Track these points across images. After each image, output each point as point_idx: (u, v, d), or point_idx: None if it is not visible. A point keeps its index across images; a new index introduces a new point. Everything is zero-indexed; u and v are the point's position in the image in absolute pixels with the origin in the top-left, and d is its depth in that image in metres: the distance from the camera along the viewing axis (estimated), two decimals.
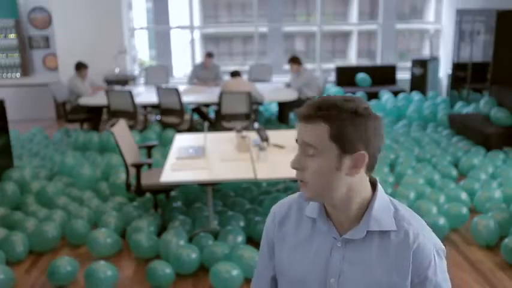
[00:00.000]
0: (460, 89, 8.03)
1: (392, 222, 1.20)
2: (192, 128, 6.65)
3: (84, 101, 7.05)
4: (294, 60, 7.32)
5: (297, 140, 1.23)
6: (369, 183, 1.24)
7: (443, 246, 1.24)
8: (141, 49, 17.88)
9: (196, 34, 18.18)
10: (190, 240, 3.87)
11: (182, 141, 4.77)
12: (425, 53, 16.44)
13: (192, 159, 4.15)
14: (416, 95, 8.46)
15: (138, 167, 4.14)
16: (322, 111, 1.15)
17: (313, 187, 1.20)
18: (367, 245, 1.21)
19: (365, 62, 18.67)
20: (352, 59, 20.00)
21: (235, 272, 3.32)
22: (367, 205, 1.22)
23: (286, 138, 4.67)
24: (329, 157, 1.16)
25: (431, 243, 1.20)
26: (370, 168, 1.20)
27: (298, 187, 1.25)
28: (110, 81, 8.23)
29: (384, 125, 1.24)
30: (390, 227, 1.20)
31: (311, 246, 1.27)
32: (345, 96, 1.20)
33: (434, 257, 1.19)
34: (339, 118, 1.14)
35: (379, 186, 1.25)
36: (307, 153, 1.20)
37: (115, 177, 4.92)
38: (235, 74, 6.76)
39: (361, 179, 1.20)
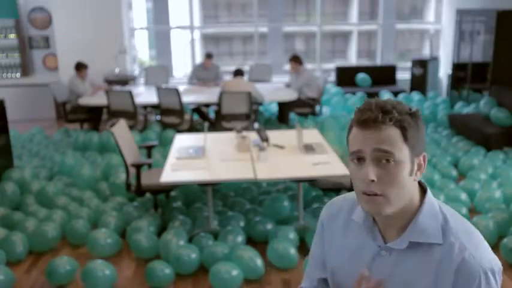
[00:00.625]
0: (460, 89, 8.03)
1: (439, 235, 1.13)
2: (192, 128, 6.66)
3: (84, 101, 7.05)
4: (295, 59, 7.31)
5: (355, 152, 1.14)
6: (418, 188, 1.18)
7: (498, 267, 1.13)
8: (141, 49, 17.88)
9: (196, 34, 18.18)
10: (190, 240, 3.86)
11: (182, 141, 4.77)
12: (425, 53, 16.44)
13: (192, 159, 4.15)
14: (416, 95, 8.47)
15: (138, 167, 4.15)
16: (389, 114, 1.10)
17: (394, 199, 1.12)
18: (409, 256, 1.15)
19: (365, 62, 18.66)
20: (352, 59, 20.00)
21: (235, 272, 3.32)
22: (415, 213, 1.16)
23: (286, 138, 4.67)
24: (405, 161, 1.11)
25: (479, 263, 1.09)
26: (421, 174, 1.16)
27: (364, 201, 1.15)
28: (110, 81, 8.23)
29: None
30: (435, 239, 1.13)
31: (355, 252, 1.24)
32: (391, 99, 1.17)
33: (480, 279, 1.09)
34: (406, 120, 1.11)
35: (429, 193, 1.18)
36: (381, 160, 1.11)
37: (115, 177, 4.92)
38: (237, 73, 6.76)
39: (416, 184, 1.16)
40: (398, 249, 1.16)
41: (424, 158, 1.16)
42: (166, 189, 4.36)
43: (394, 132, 1.10)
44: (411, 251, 1.15)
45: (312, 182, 4.24)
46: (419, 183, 1.20)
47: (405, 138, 1.11)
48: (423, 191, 1.20)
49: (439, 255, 1.13)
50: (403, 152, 1.11)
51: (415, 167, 1.14)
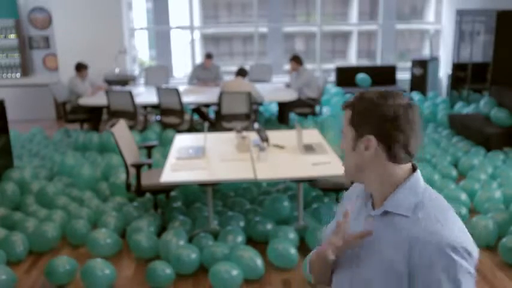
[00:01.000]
0: (460, 89, 8.03)
1: (409, 208, 1.27)
2: (192, 128, 6.66)
3: (84, 101, 7.05)
4: (295, 59, 7.32)
5: None
6: (400, 170, 1.30)
7: (460, 245, 1.19)
8: (141, 49, 17.88)
9: (197, 34, 18.18)
10: (190, 240, 3.87)
11: (182, 141, 4.78)
12: (425, 53, 16.44)
13: (192, 159, 4.15)
14: (416, 95, 8.47)
15: (138, 167, 4.15)
16: (352, 100, 1.33)
17: (344, 164, 1.37)
18: (384, 224, 1.30)
19: (365, 62, 18.67)
20: (352, 59, 20.00)
21: (235, 272, 3.32)
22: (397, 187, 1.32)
23: (286, 138, 4.67)
24: (348, 139, 1.33)
25: (438, 239, 1.19)
26: (394, 156, 1.28)
27: None
28: (110, 81, 8.23)
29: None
30: (403, 211, 1.27)
31: (356, 218, 1.41)
32: (382, 91, 1.32)
33: (442, 254, 1.18)
34: (358, 105, 1.30)
35: (414, 175, 1.31)
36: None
37: (115, 177, 4.92)
38: (240, 72, 6.73)
39: (385, 165, 1.30)
40: (378, 216, 1.33)
41: (368, 141, 1.28)
42: (166, 189, 4.36)
43: (348, 115, 1.33)
44: (386, 218, 1.30)
45: (312, 182, 4.24)
46: (413, 164, 1.34)
47: (351, 120, 1.31)
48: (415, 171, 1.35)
49: (406, 226, 1.26)
50: (348, 131, 1.33)
51: (360, 147, 1.30)
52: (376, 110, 1.26)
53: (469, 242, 1.22)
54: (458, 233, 1.22)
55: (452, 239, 1.19)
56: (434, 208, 1.26)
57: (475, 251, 1.23)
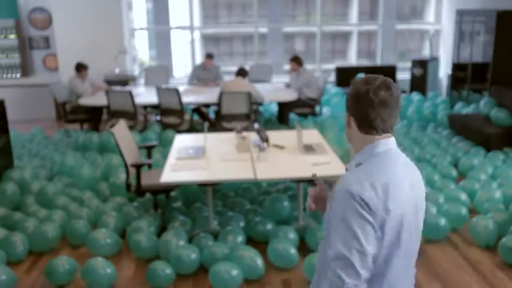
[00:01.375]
0: (460, 90, 8.03)
1: (353, 165, 1.57)
2: (192, 129, 6.66)
3: (84, 101, 7.05)
4: (295, 60, 7.32)
5: None
6: (370, 139, 1.55)
7: (357, 193, 1.42)
8: (141, 49, 17.88)
9: (197, 34, 18.18)
10: (190, 240, 3.87)
11: (182, 141, 4.78)
12: (425, 53, 16.44)
13: (192, 159, 4.15)
14: (416, 96, 8.46)
15: (138, 167, 4.15)
16: None
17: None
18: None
19: (365, 63, 18.65)
20: (352, 59, 19.99)
21: (235, 272, 3.32)
22: None
23: (286, 138, 4.68)
24: (346, 116, 1.62)
25: (344, 185, 1.46)
26: (361, 127, 1.55)
27: None
28: (110, 82, 8.23)
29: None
30: (348, 167, 1.61)
31: None
32: (367, 76, 1.58)
33: (341, 196, 1.45)
34: (350, 90, 1.59)
35: (376, 143, 1.54)
36: None
37: (115, 178, 4.92)
38: (240, 72, 6.72)
39: (357, 134, 1.58)
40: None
41: (347, 116, 1.60)
42: (166, 190, 4.36)
43: None
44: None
45: (312, 182, 4.24)
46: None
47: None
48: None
49: (344, 177, 1.53)
50: (346, 110, 1.62)
51: (346, 119, 1.61)
52: (350, 91, 1.57)
53: (372, 198, 1.42)
54: (368, 188, 1.44)
55: (355, 188, 1.44)
56: (371, 169, 1.49)
57: (375, 207, 1.42)
